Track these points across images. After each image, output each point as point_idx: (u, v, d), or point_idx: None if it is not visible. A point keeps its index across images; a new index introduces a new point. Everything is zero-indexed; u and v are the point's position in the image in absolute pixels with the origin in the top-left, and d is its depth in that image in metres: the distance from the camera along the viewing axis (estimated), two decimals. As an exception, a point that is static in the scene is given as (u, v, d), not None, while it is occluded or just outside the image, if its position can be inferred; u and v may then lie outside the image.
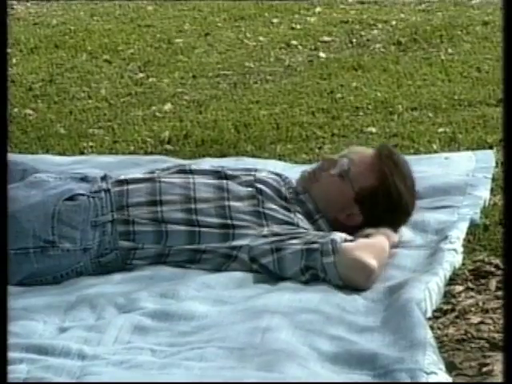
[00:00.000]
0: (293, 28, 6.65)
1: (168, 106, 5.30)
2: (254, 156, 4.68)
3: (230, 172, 3.98)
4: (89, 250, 3.70)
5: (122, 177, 3.94)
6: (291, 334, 3.11)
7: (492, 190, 4.17)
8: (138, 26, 6.73)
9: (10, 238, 3.58)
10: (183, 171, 3.93)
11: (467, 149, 4.64)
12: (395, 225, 3.81)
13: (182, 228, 3.75)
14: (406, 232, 3.87)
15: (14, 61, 6.22)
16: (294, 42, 6.31)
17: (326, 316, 3.23)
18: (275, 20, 6.82)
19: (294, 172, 4.46)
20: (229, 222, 3.77)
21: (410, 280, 3.42)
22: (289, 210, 3.82)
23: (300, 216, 3.83)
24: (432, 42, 6.21)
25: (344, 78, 5.64)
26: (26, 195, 3.80)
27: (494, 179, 4.25)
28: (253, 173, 3.98)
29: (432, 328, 3.16)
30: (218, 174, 3.93)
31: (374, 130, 4.94)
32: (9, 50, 6.50)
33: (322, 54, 6.05)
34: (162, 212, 3.78)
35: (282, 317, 3.19)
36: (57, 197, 3.77)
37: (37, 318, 3.34)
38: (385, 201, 3.77)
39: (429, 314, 3.26)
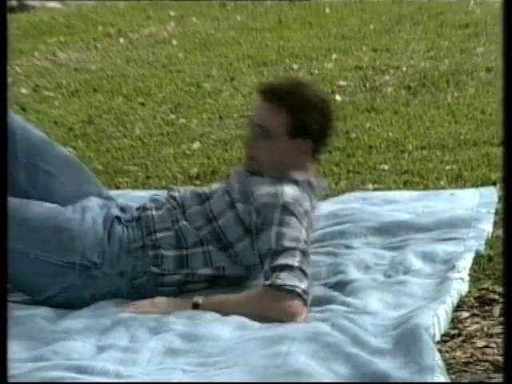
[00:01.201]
0: (311, 73, 6.65)
1: (196, 145, 5.30)
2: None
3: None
4: (124, 275, 3.70)
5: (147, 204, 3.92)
6: (310, 358, 3.08)
7: (495, 223, 4.15)
8: (169, 71, 6.75)
9: (60, 251, 3.68)
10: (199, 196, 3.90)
11: (472, 185, 4.65)
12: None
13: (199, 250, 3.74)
14: (416, 262, 3.82)
15: (56, 103, 6.23)
16: (313, 86, 6.30)
17: (341, 340, 3.20)
18: (295, 66, 6.84)
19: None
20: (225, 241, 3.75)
21: (420, 307, 3.40)
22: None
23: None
24: (439, 86, 6.21)
25: (358, 119, 5.64)
26: (81, 218, 3.80)
27: (496, 213, 4.25)
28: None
29: (440, 351, 3.14)
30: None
31: (386, 167, 4.93)
32: (51, 94, 6.53)
33: (338, 97, 6.06)
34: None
35: (300, 342, 3.17)
36: (104, 224, 3.77)
37: (76, 339, 3.33)
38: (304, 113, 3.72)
39: (437, 338, 3.24)
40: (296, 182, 3.71)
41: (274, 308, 3.50)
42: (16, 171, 3.89)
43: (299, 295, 3.45)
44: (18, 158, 3.88)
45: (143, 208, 3.85)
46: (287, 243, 3.55)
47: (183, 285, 3.77)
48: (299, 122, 3.66)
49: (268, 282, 3.51)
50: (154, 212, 3.79)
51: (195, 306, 3.58)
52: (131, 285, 3.72)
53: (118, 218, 3.80)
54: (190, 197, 3.87)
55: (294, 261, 3.53)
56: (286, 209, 3.59)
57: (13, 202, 3.81)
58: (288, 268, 3.52)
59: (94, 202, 3.94)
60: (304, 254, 3.57)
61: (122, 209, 3.92)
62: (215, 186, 3.96)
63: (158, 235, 3.73)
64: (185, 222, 3.76)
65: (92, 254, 3.69)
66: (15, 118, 4.00)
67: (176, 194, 3.88)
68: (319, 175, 4.00)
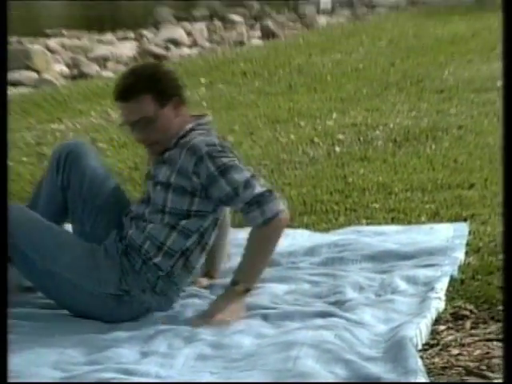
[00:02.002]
0: (315, 129, 6.66)
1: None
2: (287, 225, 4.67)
3: None
4: (145, 289, 3.68)
5: None
6: (315, 362, 3.09)
7: (466, 252, 4.14)
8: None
9: (101, 284, 3.66)
10: None
11: (447, 221, 4.64)
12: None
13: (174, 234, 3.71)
14: (401, 284, 3.81)
15: (108, 153, 6.26)
16: (316, 140, 6.31)
17: (341, 348, 3.20)
18: (302, 123, 6.84)
19: (316, 238, 4.47)
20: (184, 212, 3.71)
21: (405, 321, 3.40)
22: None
23: None
24: (420, 140, 6.21)
25: (354, 167, 5.64)
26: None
27: (467, 244, 4.23)
28: None
29: (422, 358, 3.15)
30: None
31: (376, 205, 4.94)
32: (105, 146, 6.54)
33: (337, 149, 6.06)
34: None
35: (307, 349, 3.17)
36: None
37: (124, 347, 3.34)
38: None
39: (419, 347, 3.25)
40: (193, 130, 3.71)
41: (278, 234, 3.65)
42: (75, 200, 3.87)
43: (283, 211, 3.61)
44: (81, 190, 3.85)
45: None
46: (239, 178, 3.57)
47: (186, 265, 3.72)
48: (159, 93, 3.60)
49: (259, 221, 3.57)
50: (129, 231, 3.73)
51: (245, 291, 3.63)
52: (154, 292, 3.67)
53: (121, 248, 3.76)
54: (138, 206, 3.81)
55: (257, 188, 3.58)
56: (211, 156, 3.57)
57: (66, 233, 3.82)
58: (260, 197, 3.57)
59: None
60: (253, 175, 3.63)
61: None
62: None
63: (144, 248, 3.67)
64: (150, 225, 3.68)
65: (121, 284, 3.66)
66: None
67: (131, 209, 3.82)
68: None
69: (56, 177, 3.84)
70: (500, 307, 3.58)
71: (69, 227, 4.00)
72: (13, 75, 9.57)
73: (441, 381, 3.02)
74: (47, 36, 12.67)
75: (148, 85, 3.59)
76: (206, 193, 3.61)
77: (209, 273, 4.04)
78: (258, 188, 3.59)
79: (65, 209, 3.87)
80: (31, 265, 3.62)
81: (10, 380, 2.84)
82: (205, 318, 3.57)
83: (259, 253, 3.69)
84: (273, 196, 3.62)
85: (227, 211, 3.94)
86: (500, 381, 2.92)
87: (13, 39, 12.08)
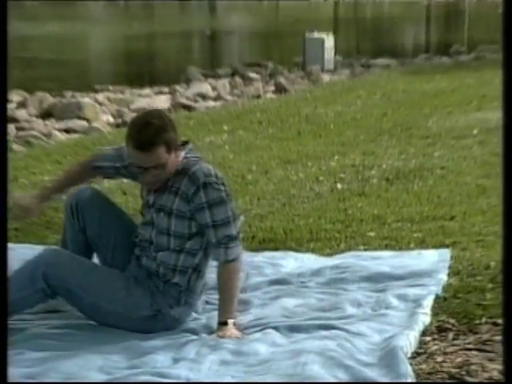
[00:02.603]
0: (320, 169, 6.65)
1: (241, 218, 5.27)
2: (295, 250, 4.66)
3: None
4: (172, 305, 3.65)
5: None
6: (320, 367, 3.08)
7: (448, 274, 4.11)
8: (223, 167, 6.73)
9: (138, 308, 3.64)
10: None
11: (432, 247, 4.61)
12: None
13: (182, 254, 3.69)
14: (394, 301, 3.79)
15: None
16: (321, 178, 6.30)
17: (342, 355, 3.19)
18: (309, 163, 6.83)
19: (321, 261, 4.45)
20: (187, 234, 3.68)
21: (397, 333, 3.38)
22: None
23: None
24: (409, 178, 6.21)
25: (353, 201, 5.63)
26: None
27: (449, 267, 4.20)
28: None
29: (411, 364, 3.14)
30: None
31: (372, 234, 4.92)
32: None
33: (338, 186, 6.05)
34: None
35: (314, 356, 3.16)
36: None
37: (159, 353, 3.33)
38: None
39: (409, 355, 3.22)
40: (187, 157, 3.65)
41: (237, 273, 3.66)
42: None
43: (240, 256, 3.64)
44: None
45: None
46: (221, 216, 3.56)
47: (199, 275, 3.71)
48: (170, 143, 3.50)
49: (222, 259, 3.59)
50: (143, 260, 3.73)
51: (232, 323, 3.58)
52: (180, 305, 3.65)
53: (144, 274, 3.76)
54: (144, 229, 3.76)
55: (231, 229, 3.57)
56: (206, 187, 3.54)
57: (101, 269, 3.80)
58: (229, 239, 3.58)
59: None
60: (234, 216, 3.63)
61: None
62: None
63: (160, 272, 3.65)
64: (160, 253, 3.67)
65: (153, 305, 3.63)
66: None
67: (139, 232, 3.80)
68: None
69: (73, 221, 3.83)
70: (477, 321, 3.56)
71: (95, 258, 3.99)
72: (67, 123, 9.62)
73: (428, 384, 3.02)
74: (96, 91, 12.74)
75: (162, 138, 3.48)
76: (193, 217, 3.60)
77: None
78: (232, 230, 3.58)
79: (88, 245, 3.86)
80: (78, 300, 3.60)
81: (9, 380, 2.75)
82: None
83: (228, 289, 3.64)
84: (238, 241, 3.63)
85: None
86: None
87: (67, 93, 12.15)
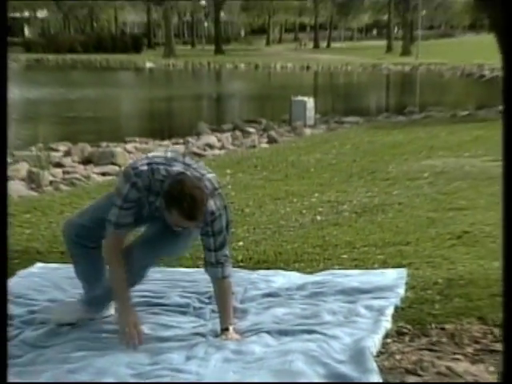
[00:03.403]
0: (303, 204, 6.66)
1: (241, 243, 5.27)
2: (284, 269, 4.64)
3: None
4: None
5: None
6: (303, 363, 3.07)
7: (405, 289, 4.09)
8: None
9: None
10: None
11: (392, 267, 4.58)
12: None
13: None
14: (362, 310, 3.77)
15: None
16: (304, 211, 6.31)
17: (321, 354, 3.19)
18: (295, 200, 6.83)
19: (304, 278, 4.42)
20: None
21: (365, 336, 3.37)
22: None
23: None
24: (373, 212, 6.20)
25: (329, 230, 5.63)
26: None
27: (406, 283, 4.18)
28: None
29: (376, 361, 3.12)
30: None
31: (345, 256, 4.91)
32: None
33: (318, 217, 6.06)
34: None
35: (298, 354, 3.14)
36: None
37: (174, 352, 3.32)
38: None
39: (374, 354, 3.21)
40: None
41: (230, 287, 3.62)
42: None
43: (231, 273, 3.59)
44: None
45: None
46: (221, 242, 3.50)
47: None
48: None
49: (219, 276, 3.53)
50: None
51: (232, 328, 3.55)
52: None
53: None
54: None
55: (226, 251, 3.53)
56: (213, 221, 3.43)
57: None
58: (225, 259, 3.53)
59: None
60: (228, 239, 3.56)
61: None
62: None
63: None
64: None
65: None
66: None
67: None
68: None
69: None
70: (428, 326, 3.55)
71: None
72: (103, 168, 9.64)
73: (388, 378, 2.99)
74: (126, 142, 12.75)
75: (205, 209, 3.28)
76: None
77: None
78: (226, 251, 3.53)
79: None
80: None
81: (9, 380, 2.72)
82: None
83: (226, 301, 3.59)
84: (230, 261, 3.58)
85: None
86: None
87: (103, 144, 12.16)
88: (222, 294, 3.61)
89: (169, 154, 3.49)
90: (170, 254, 3.79)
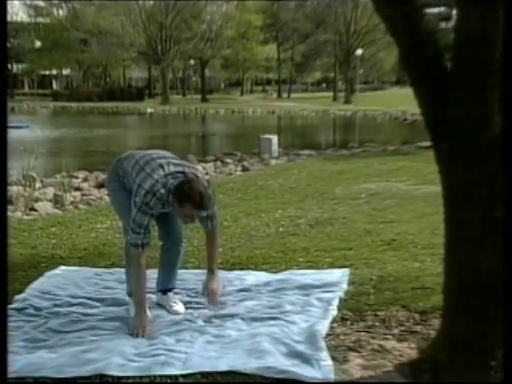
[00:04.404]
0: (269, 218, 6.67)
1: (219, 250, 5.21)
2: (254, 270, 4.61)
3: None
4: None
5: None
6: (269, 344, 3.05)
7: (348, 284, 4.09)
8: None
9: None
10: None
11: (338, 267, 4.57)
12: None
13: None
14: (314, 301, 3.75)
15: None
16: (270, 224, 6.37)
17: (283, 336, 3.17)
18: (263, 215, 6.85)
19: (270, 276, 4.38)
20: None
21: (316, 321, 3.36)
22: None
23: None
24: (324, 224, 6.25)
25: (289, 239, 5.65)
26: None
27: (348, 280, 4.18)
28: None
29: (325, 341, 3.10)
30: None
31: (301, 259, 4.90)
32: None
33: (280, 229, 6.08)
34: None
35: (265, 337, 3.13)
36: None
37: (167, 336, 3.28)
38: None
39: (323, 336, 3.20)
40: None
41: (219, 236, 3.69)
42: None
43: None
44: None
45: None
46: (215, 214, 3.51)
47: None
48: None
49: (210, 226, 3.53)
50: None
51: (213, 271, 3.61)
52: None
53: None
54: None
55: (217, 218, 3.56)
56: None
57: None
58: (216, 221, 3.55)
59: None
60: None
61: None
62: None
63: None
64: None
65: None
66: None
67: None
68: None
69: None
70: (365, 313, 3.54)
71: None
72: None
73: (335, 354, 2.97)
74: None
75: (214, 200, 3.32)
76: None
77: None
78: (217, 217, 3.57)
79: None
80: None
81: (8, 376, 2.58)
82: (213, 296, 3.59)
83: (214, 249, 3.64)
84: (218, 219, 3.58)
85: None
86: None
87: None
88: (211, 241, 3.59)
89: (165, 167, 3.39)
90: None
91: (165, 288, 3.80)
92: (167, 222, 3.66)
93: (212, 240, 3.61)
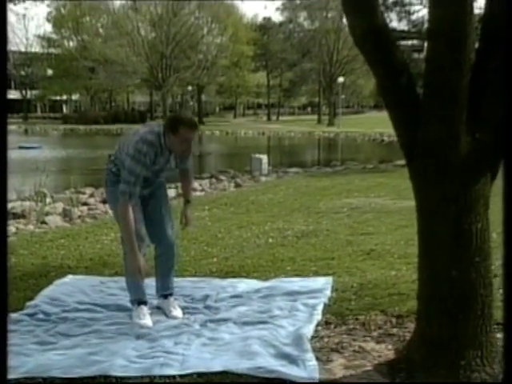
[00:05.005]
0: (259, 230, 6.67)
1: (214, 259, 5.20)
2: (246, 277, 4.58)
3: None
4: None
5: None
6: (259, 346, 3.03)
7: (331, 291, 4.07)
8: (204, 230, 6.62)
9: None
10: None
11: (322, 275, 4.54)
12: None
13: None
14: (300, 306, 3.72)
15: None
16: (260, 236, 6.28)
17: (271, 339, 3.14)
18: (253, 227, 6.78)
19: (260, 284, 4.34)
20: None
21: (302, 325, 3.34)
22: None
23: None
24: (309, 236, 6.22)
25: (278, 249, 5.59)
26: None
27: (332, 287, 4.15)
28: None
29: (310, 343, 3.08)
30: None
31: (289, 268, 4.86)
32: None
33: (270, 240, 6.01)
34: None
35: (255, 339, 3.10)
36: None
37: (166, 339, 3.25)
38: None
39: (309, 338, 3.18)
40: None
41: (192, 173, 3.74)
42: None
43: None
44: None
45: None
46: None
47: None
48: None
49: (184, 167, 3.62)
50: None
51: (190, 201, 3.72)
52: None
53: None
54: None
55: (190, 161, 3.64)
56: None
57: None
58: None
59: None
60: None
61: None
62: None
63: None
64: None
65: None
66: None
67: None
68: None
69: None
70: (346, 318, 3.52)
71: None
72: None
73: (320, 356, 2.95)
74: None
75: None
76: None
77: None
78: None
79: None
80: None
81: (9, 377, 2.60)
82: (188, 221, 3.66)
83: (188, 184, 3.75)
84: (191, 161, 3.66)
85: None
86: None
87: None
88: (187, 179, 3.72)
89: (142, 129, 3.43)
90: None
91: (165, 293, 3.77)
92: (156, 222, 3.60)
93: (188, 177, 3.72)
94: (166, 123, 3.31)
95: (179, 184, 3.84)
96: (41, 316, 3.67)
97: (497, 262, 2.91)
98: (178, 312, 3.67)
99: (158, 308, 3.77)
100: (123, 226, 3.27)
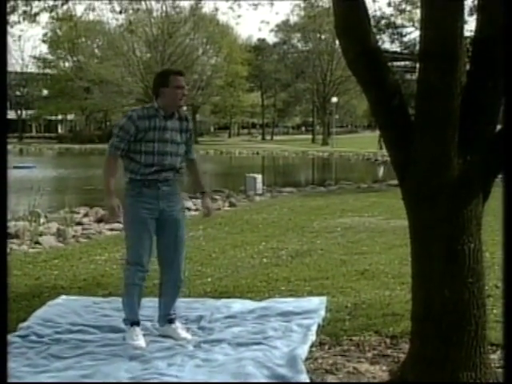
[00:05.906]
0: (254, 250, 6.62)
1: (209, 279, 5.20)
2: (240, 298, 4.55)
3: None
4: None
5: None
6: (253, 367, 3.01)
7: (326, 311, 4.05)
8: (199, 249, 6.60)
9: None
10: None
11: (316, 295, 4.53)
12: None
13: None
14: (295, 327, 3.69)
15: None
16: (254, 256, 6.31)
17: (265, 360, 3.13)
18: (248, 247, 6.78)
19: (254, 304, 4.31)
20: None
21: (297, 346, 3.31)
22: None
23: None
24: (303, 255, 6.22)
25: (272, 269, 5.60)
26: None
27: (326, 307, 4.13)
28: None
29: (304, 364, 3.06)
30: None
31: (283, 288, 4.86)
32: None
33: (264, 260, 6.02)
34: None
35: (249, 360, 3.08)
36: None
37: (160, 361, 3.22)
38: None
39: (303, 359, 3.16)
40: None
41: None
42: None
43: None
44: None
45: None
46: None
47: None
48: None
49: (193, 158, 3.70)
50: None
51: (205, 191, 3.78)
52: None
53: None
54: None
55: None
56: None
57: None
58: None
59: None
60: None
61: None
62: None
63: None
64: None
65: None
66: None
67: None
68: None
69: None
70: (341, 338, 3.50)
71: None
72: (111, 226, 9.36)
73: (313, 376, 2.93)
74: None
75: None
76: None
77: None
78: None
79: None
80: None
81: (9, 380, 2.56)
82: (209, 210, 3.74)
83: (198, 174, 3.77)
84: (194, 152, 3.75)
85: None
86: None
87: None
88: (195, 170, 3.74)
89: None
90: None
91: (170, 318, 3.68)
92: (170, 247, 3.56)
93: (196, 169, 3.75)
94: (155, 81, 3.46)
95: (190, 179, 3.86)
96: (33, 338, 3.63)
97: (490, 282, 2.91)
98: (187, 334, 3.61)
99: (163, 336, 3.68)
100: (104, 174, 3.46)
